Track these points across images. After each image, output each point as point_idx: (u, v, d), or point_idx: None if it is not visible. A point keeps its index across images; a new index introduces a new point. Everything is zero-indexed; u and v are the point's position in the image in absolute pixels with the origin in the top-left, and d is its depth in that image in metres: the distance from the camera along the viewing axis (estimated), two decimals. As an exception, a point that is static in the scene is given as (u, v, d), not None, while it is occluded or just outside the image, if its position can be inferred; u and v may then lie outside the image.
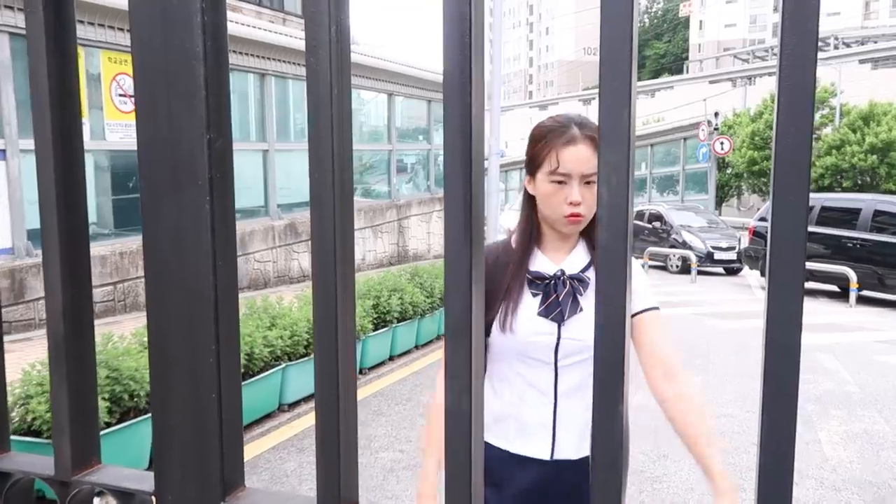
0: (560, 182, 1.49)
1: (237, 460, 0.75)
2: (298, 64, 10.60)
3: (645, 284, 1.60)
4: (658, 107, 43.34)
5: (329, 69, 0.64)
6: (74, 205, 0.77)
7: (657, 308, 1.58)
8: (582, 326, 1.52)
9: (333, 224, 0.65)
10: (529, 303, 1.55)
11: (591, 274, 1.55)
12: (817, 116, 26.06)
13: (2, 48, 6.55)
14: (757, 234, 12.40)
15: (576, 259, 1.59)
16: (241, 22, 9.71)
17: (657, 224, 16.20)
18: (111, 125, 7.57)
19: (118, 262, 7.51)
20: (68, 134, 0.76)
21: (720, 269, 15.28)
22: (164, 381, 0.72)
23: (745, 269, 14.20)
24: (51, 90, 0.74)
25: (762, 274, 12.47)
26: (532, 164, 1.56)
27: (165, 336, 0.71)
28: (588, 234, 1.60)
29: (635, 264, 1.42)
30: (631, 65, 0.55)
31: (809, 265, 11.20)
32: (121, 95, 7.67)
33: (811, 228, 11.32)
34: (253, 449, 4.14)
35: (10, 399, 3.20)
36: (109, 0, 7.19)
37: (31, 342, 5.97)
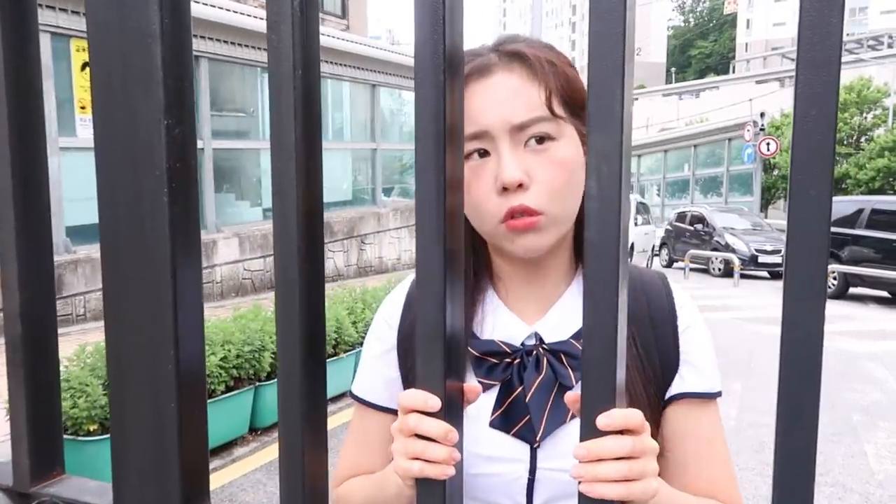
0: (480, 153, 0.80)
1: (200, 474, 0.69)
2: (330, 62, 10.61)
3: (712, 352, 0.91)
4: (703, 107, 42.63)
5: (292, 46, 0.57)
6: (35, 202, 0.72)
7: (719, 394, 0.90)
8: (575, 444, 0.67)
9: (297, 220, 0.59)
10: (476, 402, 0.73)
11: None
12: (869, 117, 25.30)
13: (44, 48, 6.68)
14: (803, 238, 12.05)
15: (562, 314, 0.87)
16: (244, 13, 9.77)
17: (699, 226, 15.88)
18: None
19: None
20: (28, 127, 0.71)
21: (764, 273, 14.91)
22: (120, 388, 0.66)
23: (791, 273, 13.80)
24: (7, 79, 0.69)
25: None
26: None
27: (122, 339, 0.65)
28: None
29: (701, 324, 0.91)
30: (624, 35, 0.47)
31: (859, 270, 10.84)
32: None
33: (861, 232, 10.95)
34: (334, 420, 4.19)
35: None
36: None
37: (69, 337, 6.07)
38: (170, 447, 0.65)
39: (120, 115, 0.63)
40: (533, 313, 0.88)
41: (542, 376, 0.83)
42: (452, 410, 0.60)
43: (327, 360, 0.62)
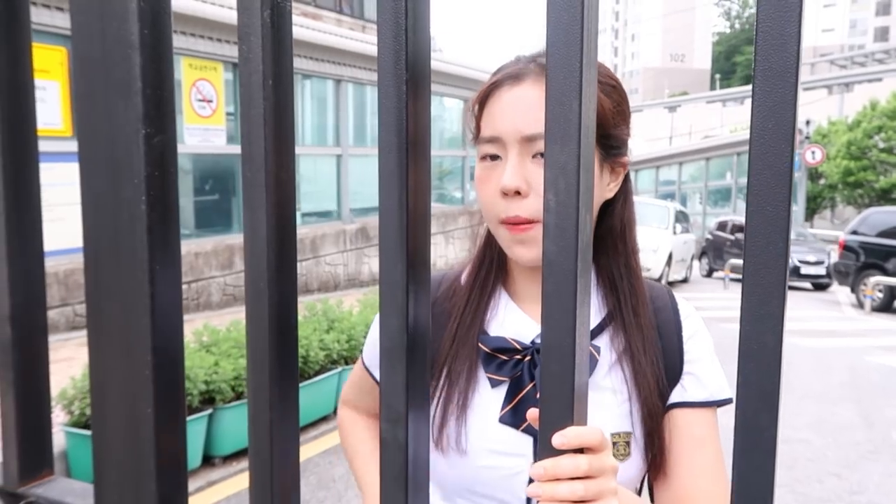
0: (492, 157, 0.85)
1: (177, 477, 0.69)
2: (375, 70, 10.70)
3: (715, 360, 0.93)
4: (747, 115, 41.83)
5: (262, 57, 0.58)
6: (27, 204, 0.74)
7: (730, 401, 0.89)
8: None
9: (267, 232, 0.59)
10: (485, 397, 0.87)
11: (604, 341, 0.89)
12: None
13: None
14: (847, 249, 11.73)
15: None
16: (321, 29, 9.89)
17: (740, 235, 15.57)
18: (190, 129, 7.83)
19: (193, 262, 7.74)
20: (21, 130, 0.73)
21: (807, 284, 14.55)
22: (101, 394, 0.67)
23: (835, 284, 13.47)
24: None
25: (852, 290, 11.78)
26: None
27: (102, 345, 0.66)
28: (602, 266, 0.91)
29: (704, 333, 0.94)
30: (581, 47, 0.46)
31: (888, 280, 10.52)
32: (200, 100, 7.92)
33: (887, 241, 10.66)
34: (304, 452, 4.16)
35: (71, 392, 3.31)
36: (190, 8, 7.44)
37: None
38: (147, 451, 0.66)
39: (101, 124, 0.64)
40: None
41: None
42: (417, 425, 0.59)
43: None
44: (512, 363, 0.87)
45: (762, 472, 0.45)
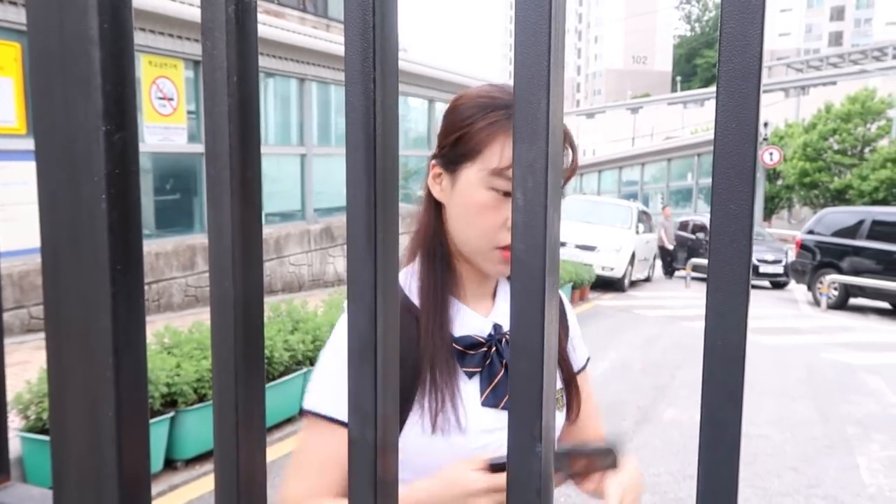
0: (506, 193, 0.93)
1: (140, 483, 0.68)
2: (339, 69, 10.66)
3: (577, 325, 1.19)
4: (707, 116, 42.61)
5: (226, 54, 0.57)
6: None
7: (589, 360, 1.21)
8: None
9: (231, 231, 0.58)
10: (466, 388, 0.98)
11: None
12: (872, 128, 25.27)
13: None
14: (804, 248, 12.02)
15: (503, 301, 1.05)
16: (284, 27, 9.80)
17: (701, 235, 15.85)
18: (150, 128, 7.69)
19: (153, 263, 7.61)
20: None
21: (766, 283, 14.87)
22: (61, 397, 0.66)
23: (792, 283, 13.78)
24: None
25: (809, 288, 12.07)
26: (457, 151, 0.96)
27: (61, 346, 0.65)
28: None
29: (565, 300, 1.16)
30: (549, 43, 0.47)
31: (860, 281, 10.80)
32: (160, 98, 7.78)
33: (862, 243, 10.92)
34: (269, 454, 4.11)
35: (27, 397, 3.23)
36: (150, 4, 7.31)
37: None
38: (108, 455, 0.64)
39: (59, 121, 0.62)
40: (485, 307, 1.05)
41: None
42: (386, 424, 0.59)
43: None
44: (480, 355, 1.00)
45: (727, 465, 0.46)
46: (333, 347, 0.95)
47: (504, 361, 0.99)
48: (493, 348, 1.00)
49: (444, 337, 0.98)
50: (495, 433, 0.97)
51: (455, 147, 0.97)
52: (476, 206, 0.94)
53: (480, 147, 0.94)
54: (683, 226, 16.86)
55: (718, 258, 0.45)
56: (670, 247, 15.72)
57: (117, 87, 0.63)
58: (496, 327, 1.02)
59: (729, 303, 0.45)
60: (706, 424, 0.46)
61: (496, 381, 0.99)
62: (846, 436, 4.86)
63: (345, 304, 0.97)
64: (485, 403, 0.98)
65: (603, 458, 1.00)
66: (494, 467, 0.90)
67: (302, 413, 0.97)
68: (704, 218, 16.91)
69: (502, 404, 0.98)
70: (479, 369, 0.99)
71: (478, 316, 1.02)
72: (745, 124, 0.43)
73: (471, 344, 0.99)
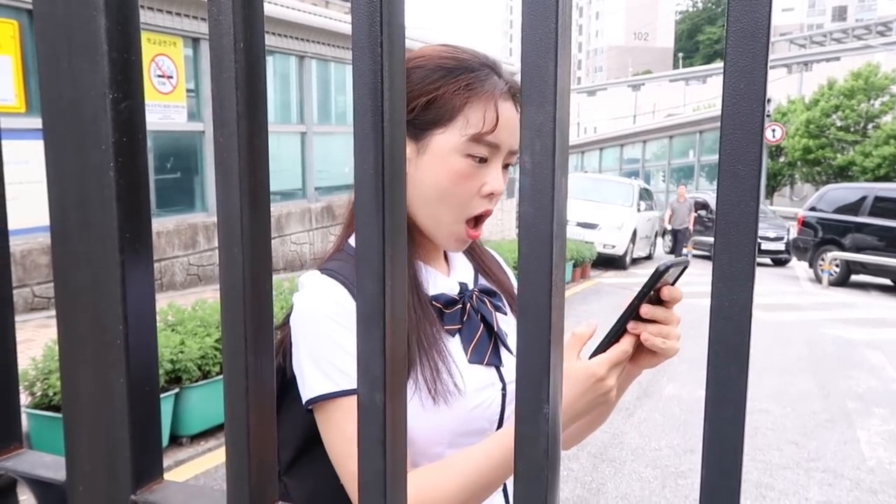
0: (482, 159, 0.91)
1: (153, 450, 0.69)
2: (338, 46, 10.58)
3: None
4: (709, 93, 42.39)
5: (232, 19, 0.57)
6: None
7: None
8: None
9: (240, 196, 0.58)
10: (451, 349, 0.96)
11: (487, 281, 1.10)
12: (876, 104, 25.12)
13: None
14: (806, 225, 12.01)
15: (461, 265, 1.08)
16: (284, 4, 9.72)
17: (703, 212, 15.83)
18: (150, 106, 7.65)
19: (155, 242, 7.62)
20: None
21: (767, 260, 14.88)
22: (72, 363, 0.66)
23: (794, 260, 13.78)
24: None
25: (811, 265, 12.07)
26: (426, 117, 0.91)
27: (72, 315, 0.65)
28: None
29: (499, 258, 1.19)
30: (557, 6, 0.46)
31: (861, 257, 10.80)
32: (159, 76, 7.74)
33: (864, 219, 10.90)
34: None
35: (32, 373, 3.25)
36: (149, -19, 7.25)
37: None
38: (120, 421, 0.65)
39: (65, 89, 0.63)
40: (444, 269, 1.05)
41: (487, 311, 1.03)
42: (395, 388, 0.60)
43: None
44: (457, 312, 0.99)
45: (733, 424, 0.47)
46: (326, 328, 0.91)
47: (481, 316, 1.01)
48: (468, 304, 1.01)
49: (420, 295, 0.95)
50: (486, 390, 0.96)
51: (424, 112, 0.91)
52: (451, 173, 0.90)
53: (454, 113, 0.90)
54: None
55: (726, 219, 0.45)
56: (668, 227, 15.58)
57: (123, 55, 0.63)
58: (462, 285, 1.03)
59: (736, 263, 0.45)
60: (712, 384, 0.46)
61: (477, 337, 0.99)
62: (846, 410, 4.89)
63: (294, 297, 0.97)
64: (471, 361, 0.97)
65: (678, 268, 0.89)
66: (596, 350, 0.88)
67: (311, 406, 0.90)
68: (705, 195, 16.86)
69: (486, 360, 0.98)
70: (459, 326, 0.98)
71: (443, 277, 1.03)
72: (753, 84, 0.43)
73: (448, 301, 0.99)
